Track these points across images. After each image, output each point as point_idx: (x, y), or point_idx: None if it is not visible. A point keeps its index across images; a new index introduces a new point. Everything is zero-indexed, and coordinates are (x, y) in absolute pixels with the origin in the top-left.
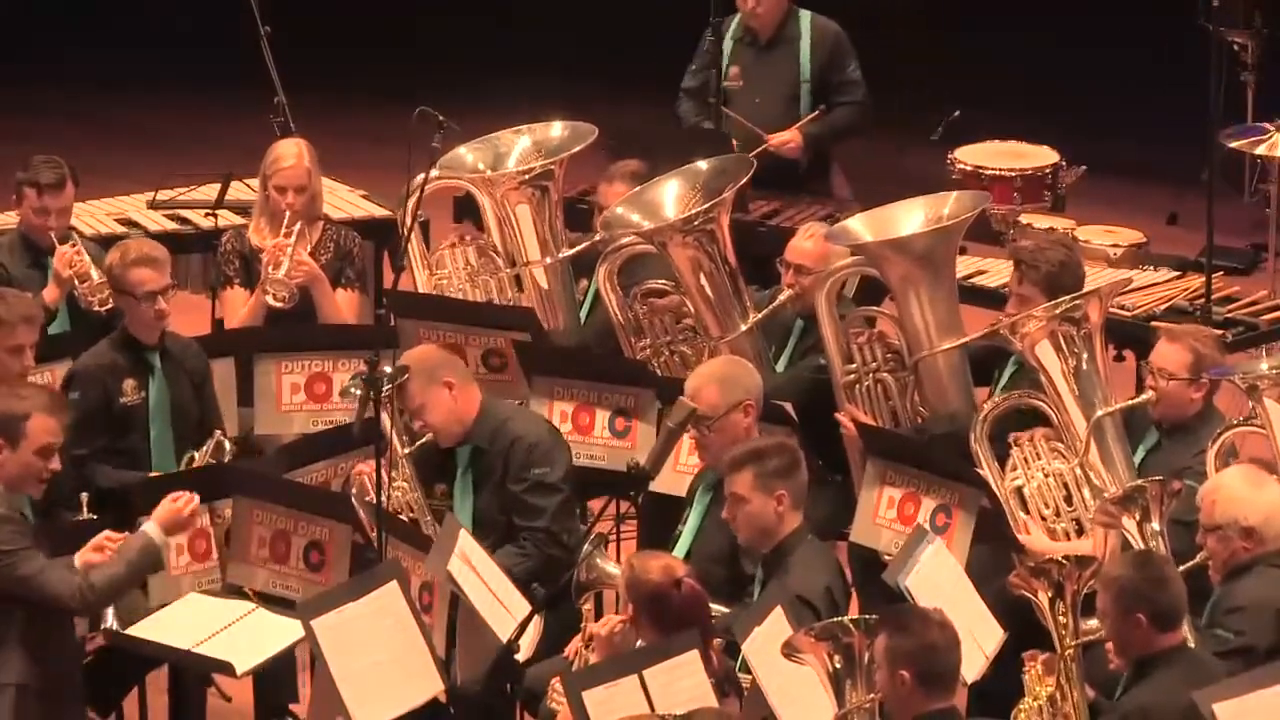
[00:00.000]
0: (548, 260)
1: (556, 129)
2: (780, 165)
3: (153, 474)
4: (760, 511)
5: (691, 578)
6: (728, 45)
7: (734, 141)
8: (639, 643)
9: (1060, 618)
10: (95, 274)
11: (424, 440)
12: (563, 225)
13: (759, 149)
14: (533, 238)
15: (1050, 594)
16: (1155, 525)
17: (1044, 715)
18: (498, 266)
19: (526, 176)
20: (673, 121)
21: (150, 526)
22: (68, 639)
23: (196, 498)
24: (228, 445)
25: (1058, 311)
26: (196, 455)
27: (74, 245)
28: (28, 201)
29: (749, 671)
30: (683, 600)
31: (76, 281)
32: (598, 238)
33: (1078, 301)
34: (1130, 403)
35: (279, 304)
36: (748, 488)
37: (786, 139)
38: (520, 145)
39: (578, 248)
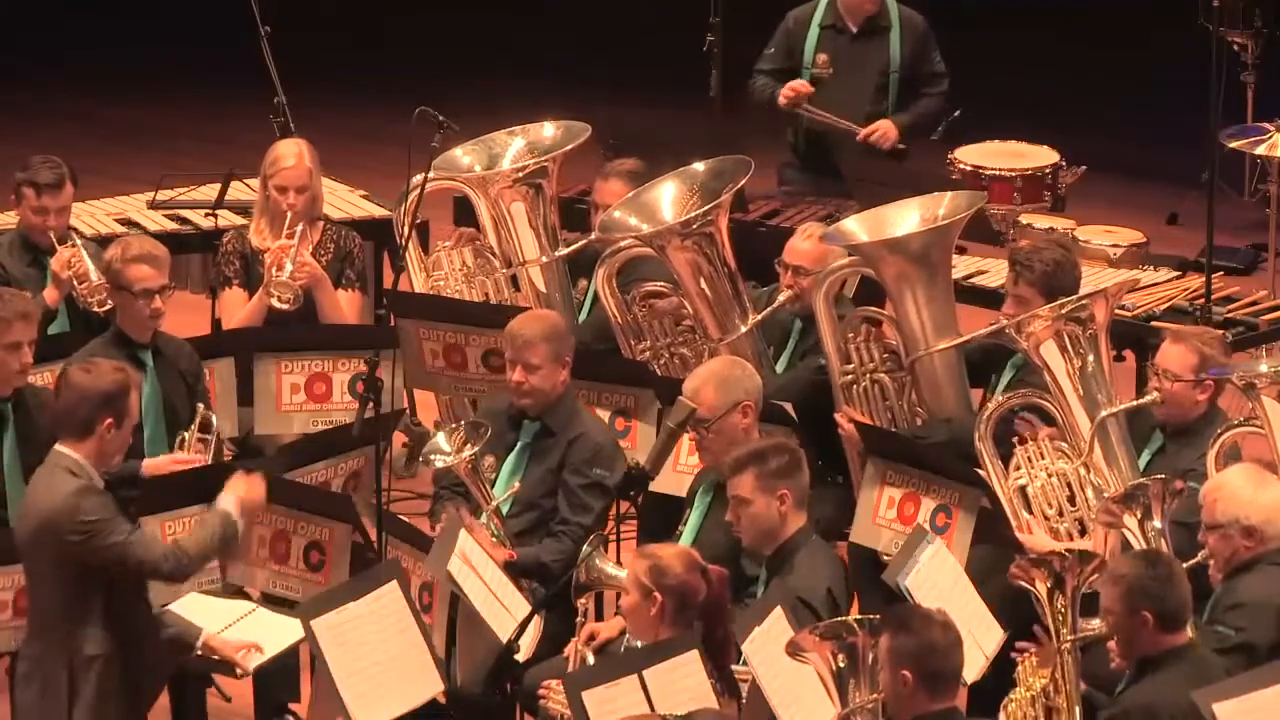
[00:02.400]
0: (543, 259)
1: (549, 129)
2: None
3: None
4: (764, 512)
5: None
6: (813, 31)
7: (798, 133)
8: (635, 641)
9: (1058, 610)
10: (94, 275)
11: (482, 445)
12: (559, 224)
13: (857, 138)
14: (529, 237)
15: (1049, 584)
16: (1157, 524)
17: (1036, 707)
18: (494, 267)
19: (521, 174)
20: (686, 120)
21: (229, 501)
22: (144, 610)
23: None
24: (214, 419)
25: (1064, 311)
26: (187, 435)
27: (72, 246)
28: (26, 201)
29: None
30: (710, 587)
31: (75, 282)
32: (594, 237)
33: (1084, 301)
34: (1135, 403)
35: (284, 306)
36: (750, 489)
37: (884, 131)
38: (515, 146)
39: (573, 247)
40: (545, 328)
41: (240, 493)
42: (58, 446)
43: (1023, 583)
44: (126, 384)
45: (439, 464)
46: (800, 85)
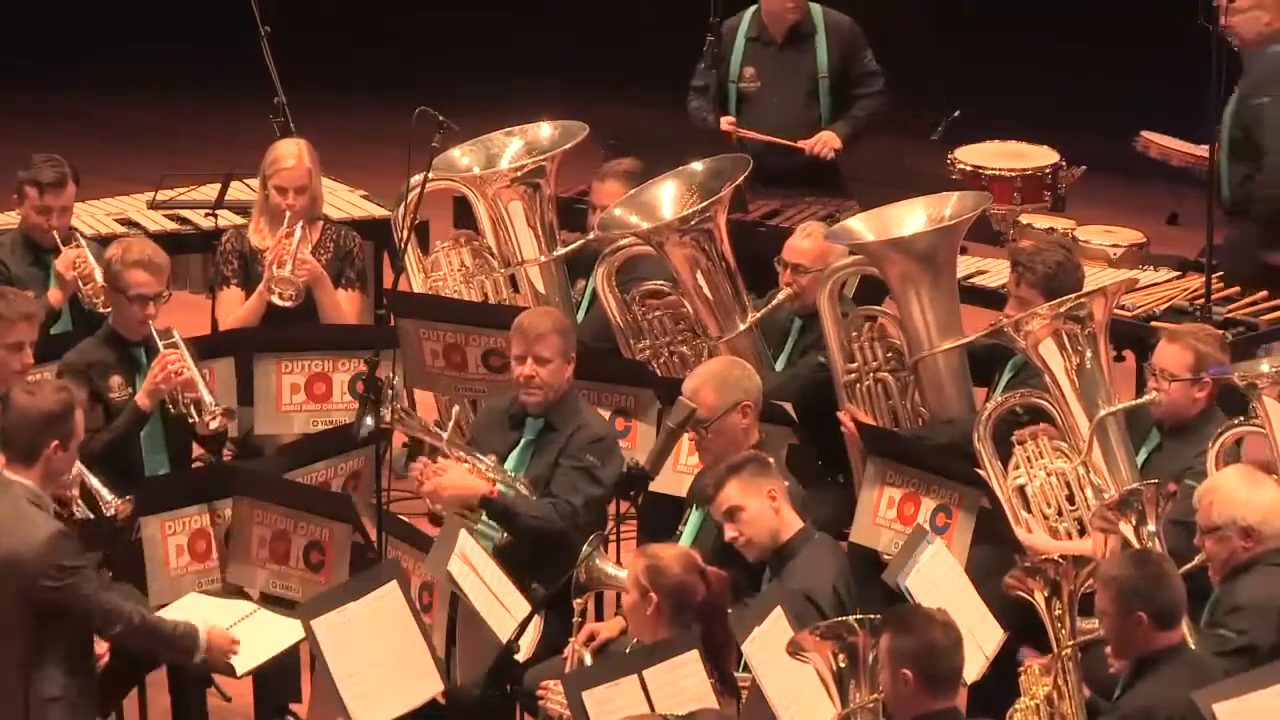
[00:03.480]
0: (542, 259)
1: (546, 129)
2: (801, 164)
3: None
4: (760, 512)
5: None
6: (739, 44)
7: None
8: (634, 640)
9: (1057, 617)
10: (99, 275)
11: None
12: (557, 224)
13: (797, 150)
14: (527, 237)
15: (1046, 593)
16: (1152, 527)
17: (1040, 715)
18: (493, 267)
19: (518, 174)
20: (686, 119)
21: (202, 633)
22: (92, 653)
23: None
24: (174, 330)
25: (1062, 310)
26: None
27: (77, 246)
28: (29, 200)
29: (748, 671)
30: (709, 588)
31: (80, 283)
32: (591, 236)
33: (1082, 300)
34: (1134, 403)
35: (285, 303)
36: (739, 495)
37: (825, 141)
38: (512, 146)
39: (571, 247)
40: (555, 321)
41: (218, 638)
42: (7, 473)
43: (1020, 592)
44: (71, 403)
45: (369, 423)
46: (728, 120)
